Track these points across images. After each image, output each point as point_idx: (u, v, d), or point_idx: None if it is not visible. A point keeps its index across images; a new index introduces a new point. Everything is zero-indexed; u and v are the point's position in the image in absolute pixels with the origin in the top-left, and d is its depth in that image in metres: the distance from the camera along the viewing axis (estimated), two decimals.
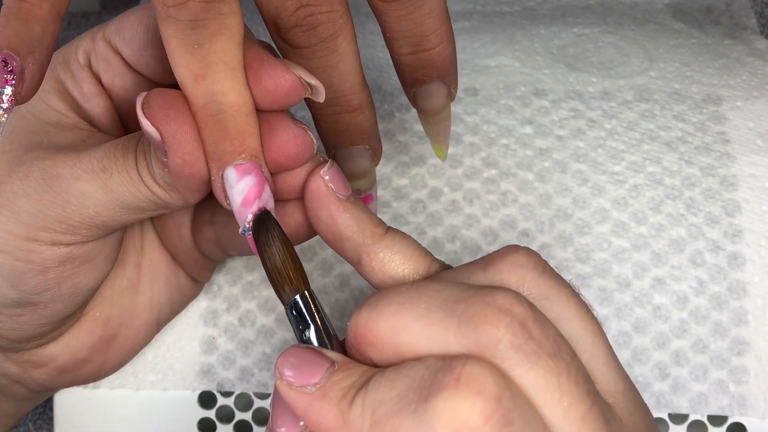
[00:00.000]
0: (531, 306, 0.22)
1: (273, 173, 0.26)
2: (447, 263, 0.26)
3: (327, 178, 0.26)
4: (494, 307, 0.21)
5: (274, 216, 0.26)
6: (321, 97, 0.26)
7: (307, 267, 0.35)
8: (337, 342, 0.25)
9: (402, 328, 0.22)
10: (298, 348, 0.24)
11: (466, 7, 0.45)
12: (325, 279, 0.35)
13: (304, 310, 0.25)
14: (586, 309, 0.24)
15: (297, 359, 0.23)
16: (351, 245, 0.26)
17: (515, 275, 0.23)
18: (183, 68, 0.24)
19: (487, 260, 0.24)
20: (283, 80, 0.25)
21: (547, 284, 0.23)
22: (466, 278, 0.24)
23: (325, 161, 0.27)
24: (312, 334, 0.25)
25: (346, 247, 0.26)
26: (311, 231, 0.28)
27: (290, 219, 0.28)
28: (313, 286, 0.35)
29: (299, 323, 0.25)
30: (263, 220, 0.25)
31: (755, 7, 0.47)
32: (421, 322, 0.22)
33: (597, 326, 0.24)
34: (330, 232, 0.26)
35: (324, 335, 0.25)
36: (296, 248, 0.26)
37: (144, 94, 0.25)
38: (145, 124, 0.24)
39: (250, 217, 0.25)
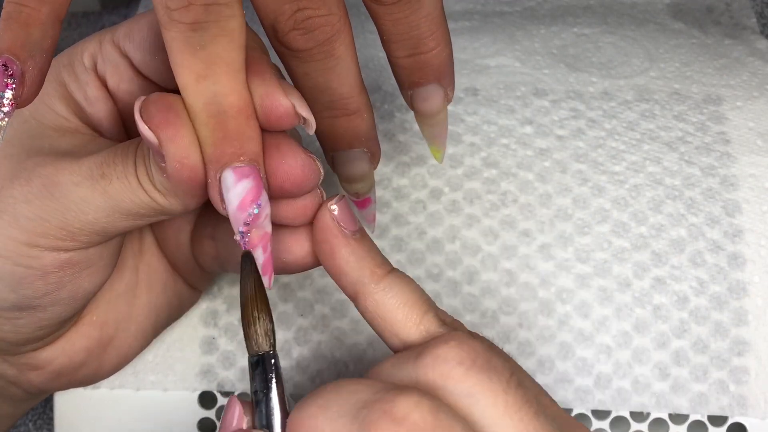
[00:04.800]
0: (434, 411, 0.22)
1: (276, 198, 0.26)
2: (448, 315, 0.27)
3: (335, 211, 0.27)
4: (389, 416, 0.21)
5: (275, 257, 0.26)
6: (311, 130, 0.26)
7: (308, 271, 0.35)
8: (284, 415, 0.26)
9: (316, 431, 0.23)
10: None
11: (466, 7, 0.45)
12: (325, 279, 0.35)
13: (273, 370, 0.25)
14: (520, 406, 0.23)
15: None
16: (347, 281, 0.27)
17: (438, 371, 0.23)
18: (184, 69, 0.24)
19: (420, 350, 0.24)
20: (278, 104, 0.25)
21: (473, 380, 0.23)
22: (398, 368, 0.24)
23: (334, 196, 0.27)
24: (274, 396, 0.25)
25: (343, 281, 0.27)
26: (313, 261, 0.28)
27: (292, 248, 0.28)
28: (313, 286, 0.35)
29: (266, 377, 0.25)
30: (247, 262, 0.26)
31: (755, 7, 0.47)
32: (330, 427, 0.22)
33: (535, 424, 0.23)
34: (330, 266, 0.27)
35: (281, 403, 0.25)
36: None
37: (142, 98, 0.25)
38: (143, 128, 0.24)
39: (241, 229, 0.25)
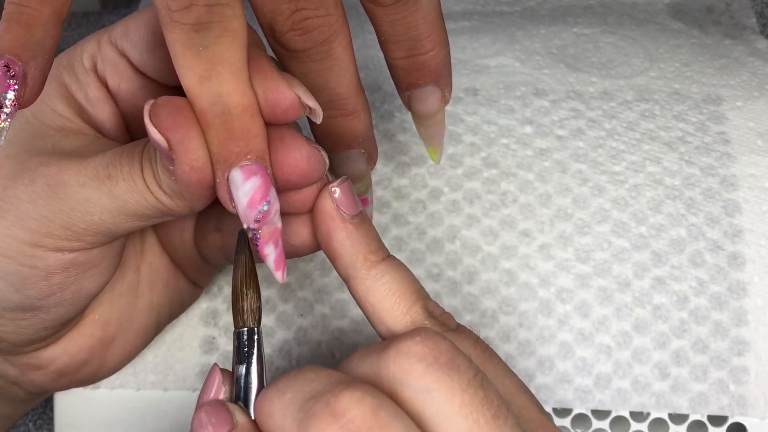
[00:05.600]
0: (375, 409, 0.22)
1: (283, 190, 0.27)
2: (439, 308, 0.27)
3: (336, 195, 0.27)
4: (330, 409, 0.22)
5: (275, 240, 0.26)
6: (318, 119, 0.26)
7: (307, 267, 0.35)
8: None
9: (269, 415, 0.23)
10: (213, 404, 0.25)
11: (466, 7, 0.45)
12: (325, 279, 0.35)
13: (256, 345, 0.26)
14: (477, 407, 0.22)
15: (208, 416, 0.25)
16: (341, 264, 0.27)
17: (399, 365, 0.23)
18: (187, 70, 0.24)
19: (386, 344, 0.24)
20: (282, 97, 0.25)
21: (432, 377, 0.23)
22: (364, 360, 0.24)
23: (337, 179, 0.27)
24: (254, 371, 0.26)
25: (337, 264, 0.27)
26: (314, 245, 0.28)
27: (300, 232, 0.28)
28: (313, 286, 0.35)
29: (247, 352, 0.26)
30: (242, 239, 0.27)
31: (755, 7, 0.47)
32: (281, 413, 0.23)
33: (492, 426, 0.22)
34: (326, 248, 0.27)
35: (260, 379, 0.26)
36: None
37: (151, 102, 0.25)
38: (153, 132, 0.24)
39: (252, 226, 0.25)
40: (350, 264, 0.26)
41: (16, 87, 0.22)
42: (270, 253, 0.26)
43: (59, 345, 0.31)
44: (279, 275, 0.26)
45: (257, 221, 0.25)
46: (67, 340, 0.31)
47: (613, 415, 0.34)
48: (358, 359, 0.25)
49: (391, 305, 0.26)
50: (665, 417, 0.33)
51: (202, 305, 0.36)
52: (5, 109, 0.22)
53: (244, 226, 0.25)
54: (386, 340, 0.25)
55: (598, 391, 0.33)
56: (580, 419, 0.34)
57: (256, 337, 0.26)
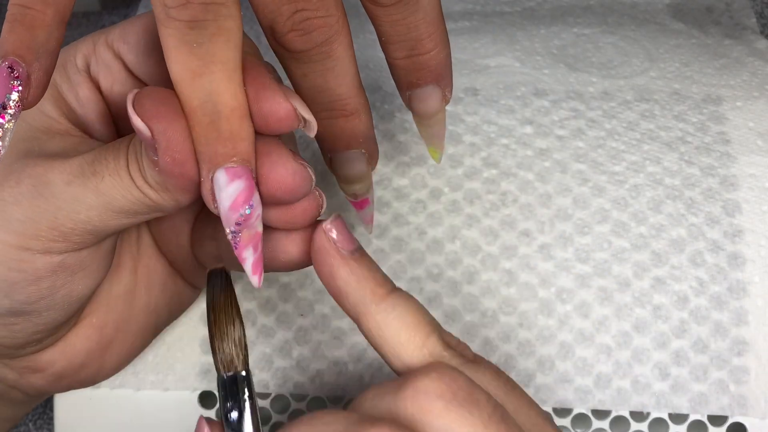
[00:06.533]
0: None
1: (269, 205, 0.26)
2: (454, 338, 0.26)
3: (331, 232, 0.26)
4: None
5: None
6: (312, 132, 0.26)
7: (307, 271, 0.35)
8: None
9: None
10: None
11: (466, 7, 0.45)
12: None
13: (246, 390, 0.24)
14: None
15: None
16: (349, 303, 0.26)
17: (417, 404, 0.23)
18: (180, 65, 0.24)
19: (401, 382, 0.23)
20: (278, 107, 0.25)
21: (452, 415, 0.22)
22: (379, 399, 0.24)
23: (329, 217, 0.27)
24: (247, 417, 0.24)
25: (344, 303, 0.26)
26: (303, 262, 0.28)
27: (288, 249, 0.28)
28: (313, 286, 0.35)
29: (233, 399, 0.25)
30: (220, 278, 0.25)
31: (755, 7, 0.47)
32: None
33: None
34: (331, 287, 0.26)
35: (255, 425, 0.24)
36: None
37: (135, 90, 0.25)
38: (136, 120, 0.24)
39: (233, 225, 0.25)
40: (359, 301, 0.26)
41: (20, 88, 0.23)
42: (248, 257, 0.25)
43: (57, 348, 0.31)
44: (255, 279, 0.25)
45: (238, 224, 0.25)
46: (65, 343, 0.31)
47: (613, 415, 0.34)
48: (372, 399, 0.24)
49: (407, 339, 0.25)
50: (665, 417, 0.33)
51: (202, 305, 0.36)
52: (9, 111, 0.23)
53: (225, 230, 0.25)
54: (400, 377, 0.25)
55: (598, 391, 0.33)
56: (580, 419, 0.34)
57: (246, 382, 0.24)
